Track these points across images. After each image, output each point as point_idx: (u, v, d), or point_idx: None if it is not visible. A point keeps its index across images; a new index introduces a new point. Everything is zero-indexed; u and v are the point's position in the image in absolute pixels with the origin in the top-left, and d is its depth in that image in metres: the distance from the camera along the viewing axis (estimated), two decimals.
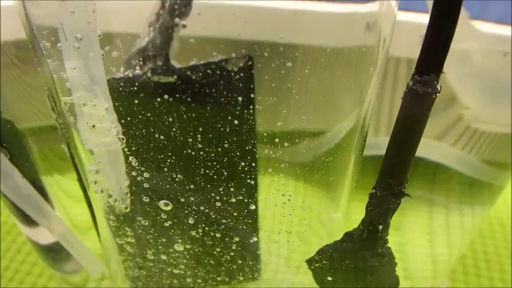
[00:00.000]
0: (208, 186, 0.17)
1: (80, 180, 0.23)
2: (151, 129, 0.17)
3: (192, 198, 0.17)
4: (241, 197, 0.17)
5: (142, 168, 0.18)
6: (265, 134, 0.17)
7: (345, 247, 0.17)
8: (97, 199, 0.20)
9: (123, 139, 0.17)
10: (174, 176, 0.17)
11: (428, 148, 0.22)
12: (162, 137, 0.17)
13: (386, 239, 0.17)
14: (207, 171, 0.17)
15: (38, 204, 0.23)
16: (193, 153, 0.17)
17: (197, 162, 0.17)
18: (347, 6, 0.16)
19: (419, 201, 0.25)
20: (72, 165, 0.22)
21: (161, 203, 0.17)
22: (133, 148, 0.17)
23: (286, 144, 0.17)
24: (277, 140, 0.17)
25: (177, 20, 0.17)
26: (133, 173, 0.18)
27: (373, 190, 0.16)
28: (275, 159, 0.17)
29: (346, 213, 0.21)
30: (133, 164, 0.17)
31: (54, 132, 0.24)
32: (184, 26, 0.15)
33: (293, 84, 0.16)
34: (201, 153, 0.17)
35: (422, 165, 0.23)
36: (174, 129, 0.17)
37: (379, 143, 0.22)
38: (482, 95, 0.21)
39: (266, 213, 0.18)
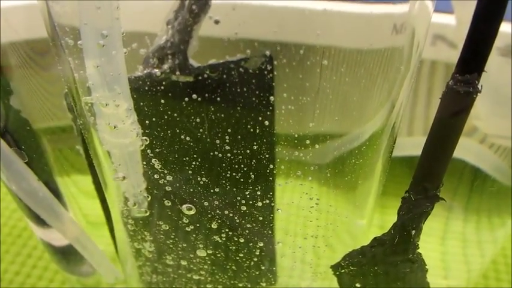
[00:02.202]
0: (231, 189, 0.17)
1: (95, 182, 0.23)
2: (170, 130, 0.17)
3: (215, 202, 0.17)
4: (265, 201, 0.17)
5: (162, 170, 0.17)
6: (289, 136, 0.17)
7: (374, 252, 0.16)
8: (114, 201, 0.20)
9: (146, 140, 0.16)
10: (195, 178, 0.17)
11: (465, 149, 0.22)
12: (181, 137, 0.17)
13: (418, 245, 0.16)
14: (229, 173, 0.17)
15: (53, 207, 0.22)
16: (212, 154, 0.17)
17: (217, 163, 0.17)
18: (372, 7, 0.15)
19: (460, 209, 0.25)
20: (88, 166, 0.21)
21: (184, 207, 0.17)
22: (154, 149, 0.17)
23: (310, 146, 0.17)
24: (300, 142, 0.17)
25: (197, 18, 0.16)
26: (154, 176, 0.17)
27: (406, 194, 0.15)
28: (298, 162, 0.17)
29: (371, 219, 0.21)
30: (154, 165, 0.17)
31: (67, 132, 0.24)
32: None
33: (316, 85, 0.16)
34: (221, 154, 0.17)
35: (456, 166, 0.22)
36: (192, 129, 0.17)
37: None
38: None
39: (291, 217, 0.17)
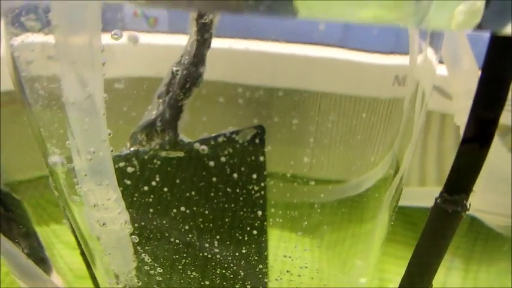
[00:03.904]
0: (221, 282, 0.17)
1: (83, 254, 0.23)
2: (160, 212, 0.17)
3: None
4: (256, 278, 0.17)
5: (152, 263, 0.18)
6: (282, 182, 0.17)
7: None
8: (104, 279, 0.20)
9: (136, 237, 0.17)
10: (185, 272, 0.17)
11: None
12: (172, 221, 0.17)
13: None
14: (219, 270, 0.17)
15: (32, 272, 0.23)
16: (205, 235, 0.17)
17: (208, 260, 0.17)
18: (373, 57, 0.16)
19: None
20: (76, 241, 0.22)
21: None
22: (144, 245, 0.17)
23: (304, 206, 0.17)
24: (293, 203, 0.17)
25: (188, 92, 0.17)
26: (145, 267, 0.18)
27: None
28: (295, 228, 0.17)
29: (373, 274, 0.21)
30: (144, 259, 0.18)
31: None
32: None
33: (313, 133, 0.16)
34: (214, 234, 0.17)
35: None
36: (182, 209, 0.17)
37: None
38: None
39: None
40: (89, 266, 0.24)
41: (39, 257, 0.24)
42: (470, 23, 0.09)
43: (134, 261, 0.19)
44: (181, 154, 0.17)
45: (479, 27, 0.10)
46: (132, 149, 0.17)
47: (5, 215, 0.21)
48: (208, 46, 0.16)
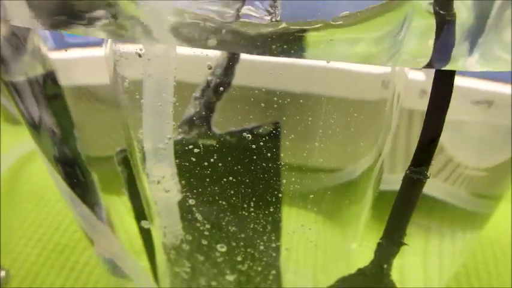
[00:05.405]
0: (252, 235, 0.24)
1: (136, 217, 0.29)
2: (201, 187, 0.23)
3: (241, 243, 0.24)
4: (277, 243, 0.24)
5: (202, 220, 0.24)
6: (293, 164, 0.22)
7: (359, 279, 0.23)
8: (159, 235, 0.26)
9: (190, 198, 0.23)
10: (226, 223, 0.24)
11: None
12: (212, 195, 0.23)
13: (390, 274, 0.23)
14: (251, 225, 0.23)
15: (95, 225, 0.28)
16: (229, 209, 0.23)
17: (238, 208, 0.23)
18: (366, 67, 0.20)
19: (417, 228, 0.31)
20: (133, 210, 0.28)
21: (218, 246, 0.24)
22: (197, 205, 0.23)
23: (311, 187, 0.23)
24: (301, 179, 0.23)
25: (220, 96, 0.22)
26: (191, 223, 0.24)
27: (380, 240, 0.22)
28: (301, 200, 0.23)
29: (361, 241, 0.27)
30: (195, 216, 0.24)
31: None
32: None
33: (317, 130, 0.21)
34: (242, 209, 0.23)
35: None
36: (213, 188, 0.23)
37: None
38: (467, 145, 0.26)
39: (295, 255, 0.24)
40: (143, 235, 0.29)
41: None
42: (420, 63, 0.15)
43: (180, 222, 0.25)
44: (214, 142, 0.23)
45: (429, 65, 0.15)
46: (177, 137, 0.23)
47: (80, 183, 0.27)
48: (237, 60, 0.20)
